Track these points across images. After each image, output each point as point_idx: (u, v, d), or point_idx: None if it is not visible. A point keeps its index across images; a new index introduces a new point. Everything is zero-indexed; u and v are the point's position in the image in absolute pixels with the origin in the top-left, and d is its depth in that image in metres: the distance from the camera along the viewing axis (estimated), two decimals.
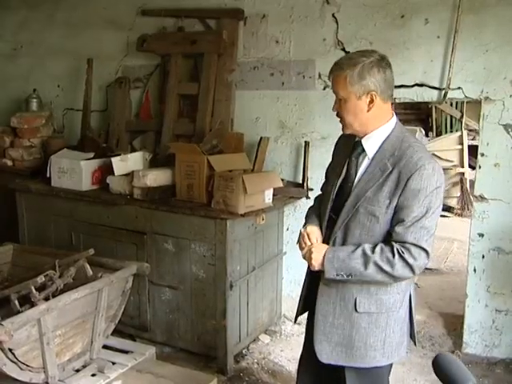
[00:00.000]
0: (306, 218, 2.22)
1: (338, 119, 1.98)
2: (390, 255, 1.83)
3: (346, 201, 1.93)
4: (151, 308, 3.44)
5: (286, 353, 3.51)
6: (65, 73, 4.58)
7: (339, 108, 1.92)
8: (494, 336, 3.36)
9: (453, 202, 7.04)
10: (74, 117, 4.55)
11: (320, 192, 2.30)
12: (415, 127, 7.73)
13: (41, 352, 2.58)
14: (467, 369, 1.31)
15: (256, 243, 3.42)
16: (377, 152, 1.91)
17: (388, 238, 1.88)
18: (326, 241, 2.01)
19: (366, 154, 1.94)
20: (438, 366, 1.33)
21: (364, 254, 1.86)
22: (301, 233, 2.06)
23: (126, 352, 3.15)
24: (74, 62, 4.49)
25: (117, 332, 3.16)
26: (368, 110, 1.89)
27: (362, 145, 1.95)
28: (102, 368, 2.89)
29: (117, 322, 3.06)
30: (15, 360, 2.46)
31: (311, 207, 2.28)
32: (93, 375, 2.87)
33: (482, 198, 3.24)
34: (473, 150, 5.92)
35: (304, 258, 2.01)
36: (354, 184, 1.94)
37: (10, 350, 2.41)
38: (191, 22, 3.94)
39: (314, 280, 2.08)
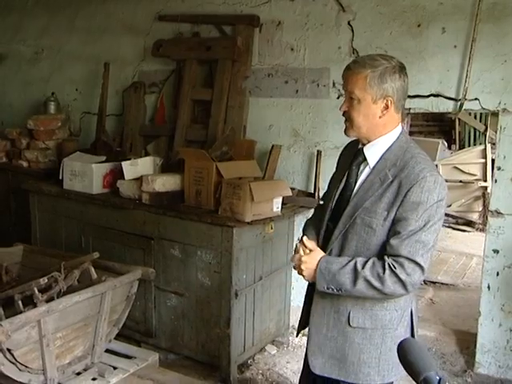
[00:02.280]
0: (303, 229, 2.17)
1: (344, 119, 1.89)
2: (380, 270, 1.75)
3: (344, 210, 1.87)
4: (157, 314, 3.42)
5: (292, 365, 3.45)
6: (83, 77, 4.64)
7: (350, 107, 1.83)
8: (509, 357, 3.23)
9: (474, 217, 6.88)
10: (90, 120, 4.58)
11: (321, 202, 2.25)
12: (438, 139, 7.59)
13: (40, 354, 2.57)
14: (431, 357, 1.23)
15: (264, 252, 3.37)
16: (378, 161, 1.85)
17: (382, 252, 1.80)
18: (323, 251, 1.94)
19: (367, 163, 1.88)
20: (401, 351, 1.25)
21: (354, 269, 1.78)
22: (296, 245, 1.99)
23: (129, 357, 3.14)
24: (92, 67, 4.54)
25: (122, 336, 3.16)
26: (380, 116, 1.82)
27: (363, 153, 1.89)
28: (103, 372, 2.88)
29: (120, 326, 3.05)
30: (14, 361, 2.46)
31: (309, 218, 2.23)
32: (93, 379, 2.86)
33: (497, 213, 3.14)
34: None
35: (294, 268, 1.95)
36: (353, 193, 1.88)
37: (9, 350, 2.41)
38: (207, 27, 3.94)
39: (312, 291, 2.01)
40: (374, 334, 1.88)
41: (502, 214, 3.13)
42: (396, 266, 1.73)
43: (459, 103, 3.14)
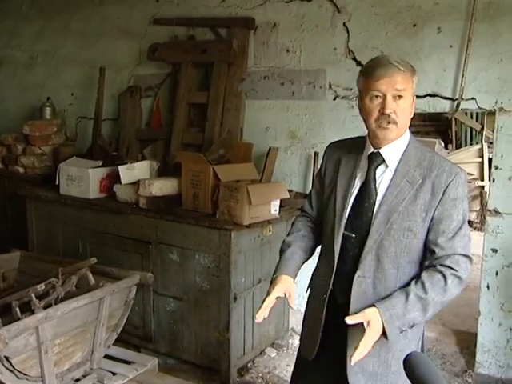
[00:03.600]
0: (282, 248, 2.03)
1: (386, 121, 1.73)
2: (442, 284, 1.71)
3: (373, 218, 1.78)
4: (155, 318, 3.40)
5: (292, 367, 3.42)
6: (79, 81, 4.63)
7: (396, 107, 1.73)
8: (509, 356, 3.22)
9: (472, 216, 6.87)
10: (86, 125, 4.57)
11: (301, 212, 2.13)
12: (434, 139, 7.60)
13: (38, 361, 2.55)
14: (439, 371, 1.22)
15: (262, 255, 3.36)
16: (399, 163, 1.80)
17: (429, 256, 1.77)
18: (351, 264, 1.82)
19: (386, 166, 1.81)
20: (409, 366, 1.24)
21: (419, 298, 1.70)
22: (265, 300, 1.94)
23: (128, 362, 3.12)
24: (87, 71, 4.53)
25: (121, 342, 3.13)
26: (411, 114, 1.80)
27: (381, 156, 1.81)
28: (102, 378, 2.86)
29: (119, 331, 3.03)
30: (12, 368, 2.43)
31: (289, 234, 2.07)
32: None
33: (495, 213, 3.13)
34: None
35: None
36: (379, 199, 1.79)
37: (7, 357, 2.39)
38: (202, 30, 3.94)
39: (330, 309, 1.89)
40: (412, 336, 1.85)
41: (500, 213, 3.13)
42: (455, 267, 1.72)
43: (456, 103, 3.13)
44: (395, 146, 1.81)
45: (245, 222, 3.02)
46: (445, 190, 1.73)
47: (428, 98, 3.21)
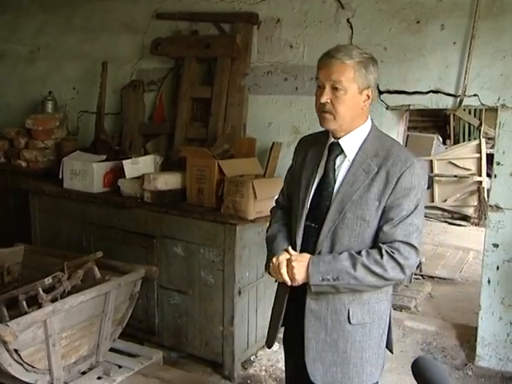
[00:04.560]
0: (269, 240, 2.07)
1: (322, 110, 1.79)
2: (377, 257, 1.73)
3: (329, 207, 1.81)
4: (159, 312, 3.43)
5: None
6: (80, 76, 4.62)
7: (333, 98, 1.76)
8: (509, 350, 3.27)
9: (470, 211, 6.93)
10: (88, 119, 4.57)
11: (277, 204, 2.19)
12: (432, 134, 7.64)
13: (46, 354, 2.58)
14: (447, 374, 1.25)
15: (265, 249, 3.37)
16: (357, 153, 1.82)
17: (375, 242, 1.79)
18: (311, 253, 1.84)
19: (345, 156, 1.84)
20: (417, 369, 1.27)
21: (351, 255, 1.76)
22: (273, 262, 1.89)
23: (133, 356, 3.15)
24: (89, 66, 4.52)
25: (125, 335, 3.16)
26: (362, 107, 1.81)
27: (340, 146, 1.85)
28: (108, 371, 2.89)
29: (124, 325, 3.06)
30: (20, 361, 2.46)
31: (270, 226, 2.12)
32: (98, 378, 2.88)
33: (497, 208, 3.17)
34: (491, 159, 5.82)
35: (277, 276, 1.87)
36: (336, 188, 1.83)
37: (16, 350, 2.42)
38: (205, 25, 3.94)
39: (293, 298, 1.92)
40: (373, 328, 1.86)
41: (501, 208, 3.17)
42: (393, 250, 1.73)
43: (459, 99, 3.16)
44: (354, 136, 1.83)
45: (250, 216, 3.04)
46: (398, 179, 1.75)
47: (431, 94, 3.23)
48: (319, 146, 1.93)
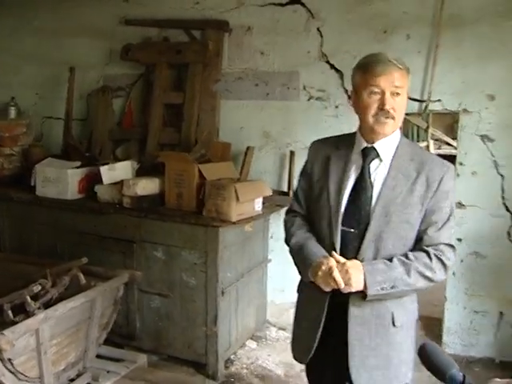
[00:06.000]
0: (297, 247, 1.96)
1: (385, 116, 1.78)
2: (427, 260, 1.78)
3: (370, 212, 1.81)
4: (140, 316, 3.45)
5: (273, 357, 3.57)
6: (43, 81, 4.55)
7: (394, 103, 1.79)
8: (472, 336, 3.52)
9: None
10: (53, 125, 4.51)
11: (292, 212, 2.09)
12: None
13: (38, 362, 2.57)
14: (450, 357, 1.39)
15: (244, 250, 3.48)
16: (393, 158, 1.85)
17: (417, 244, 1.83)
18: (351, 258, 1.80)
19: (380, 160, 1.86)
20: (424, 354, 1.40)
21: (402, 261, 1.77)
22: (322, 269, 1.78)
23: (116, 360, 3.17)
24: (53, 70, 4.47)
25: (105, 341, 3.15)
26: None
27: (375, 150, 1.86)
28: (97, 377, 2.91)
29: (109, 330, 3.08)
30: (14, 370, 2.44)
31: (293, 235, 2.00)
32: None
33: (460, 205, 3.40)
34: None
35: (326, 281, 1.77)
36: (376, 193, 1.82)
37: (9, 360, 2.40)
38: (175, 32, 3.99)
39: (329, 305, 1.88)
40: (410, 328, 1.91)
41: (464, 205, 3.40)
42: (440, 253, 1.79)
43: (424, 104, 3.38)
44: (389, 141, 1.85)
45: (232, 218, 3.13)
46: (439, 183, 1.80)
47: None
48: (343, 151, 1.93)
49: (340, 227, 1.84)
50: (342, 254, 1.81)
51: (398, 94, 1.78)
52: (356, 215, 1.83)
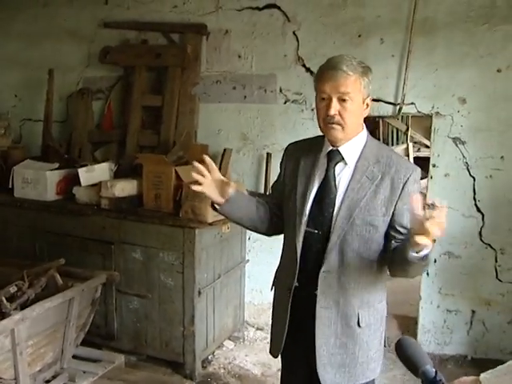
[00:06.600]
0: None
1: (331, 121, 1.79)
2: None
3: (334, 214, 1.84)
4: (118, 317, 3.47)
5: (251, 357, 3.62)
6: (23, 83, 4.55)
7: (341, 109, 1.79)
8: (445, 334, 3.60)
9: None
10: (32, 127, 4.52)
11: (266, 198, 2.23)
12: None
13: (13, 363, 2.58)
14: (423, 350, 1.44)
15: (222, 251, 3.52)
16: (358, 160, 1.86)
17: (396, 237, 1.84)
18: (315, 259, 1.86)
19: (345, 163, 1.87)
20: (400, 349, 1.45)
21: None
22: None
23: (94, 361, 3.18)
24: (32, 73, 4.47)
25: (83, 342, 3.17)
26: (363, 116, 1.88)
27: (340, 153, 1.87)
28: (73, 377, 2.92)
29: (86, 330, 3.09)
30: None
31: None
32: None
33: (433, 206, 3.46)
34: (417, 161, 6.25)
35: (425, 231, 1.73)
36: (340, 195, 1.85)
37: None
38: (154, 35, 4.03)
39: (297, 306, 1.93)
40: (377, 327, 1.94)
41: (437, 206, 3.46)
42: None
43: (398, 107, 3.46)
44: (353, 144, 1.86)
45: (209, 219, 3.16)
46: (404, 185, 1.81)
47: (373, 102, 3.48)
48: (312, 154, 1.95)
49: (304, 228, 1.88)
50: (305, 254, 1.88)
51: (344, 100, 1.79)
52: (320, 217, 1.87)
